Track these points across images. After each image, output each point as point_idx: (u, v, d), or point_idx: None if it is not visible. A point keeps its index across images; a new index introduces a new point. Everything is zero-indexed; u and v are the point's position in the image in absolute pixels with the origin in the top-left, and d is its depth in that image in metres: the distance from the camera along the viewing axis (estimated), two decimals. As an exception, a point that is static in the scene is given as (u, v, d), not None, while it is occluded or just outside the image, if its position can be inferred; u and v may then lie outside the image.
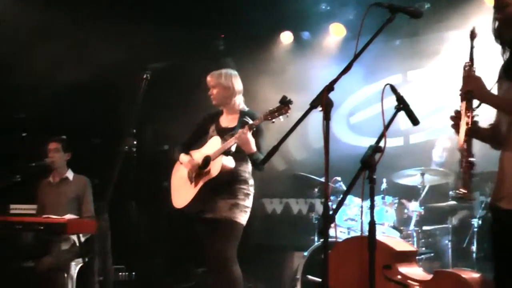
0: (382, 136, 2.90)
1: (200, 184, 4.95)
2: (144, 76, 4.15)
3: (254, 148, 4.80)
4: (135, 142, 4.00)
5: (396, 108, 3.15)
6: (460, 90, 3.21)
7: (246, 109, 5.15)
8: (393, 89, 3.16)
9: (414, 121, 3.20)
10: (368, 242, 2.78)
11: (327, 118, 2.84)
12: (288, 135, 2.95)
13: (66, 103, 7.78)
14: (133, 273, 7.02)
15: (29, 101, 7.61)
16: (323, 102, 2.81)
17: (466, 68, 3.23)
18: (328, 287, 2.82)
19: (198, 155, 5.13)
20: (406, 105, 3.16)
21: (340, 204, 2.86)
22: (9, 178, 5.70)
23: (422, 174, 6.38)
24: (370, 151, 2.84)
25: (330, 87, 2.89)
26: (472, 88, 3.15)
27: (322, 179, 6.61)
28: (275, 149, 2.99)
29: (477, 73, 3.21)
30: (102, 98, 7.79)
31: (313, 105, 2.87)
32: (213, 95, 5.18)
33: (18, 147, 7.42)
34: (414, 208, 6.31)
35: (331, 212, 2.79)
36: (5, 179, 5.61)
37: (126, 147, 3.98)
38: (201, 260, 7.81)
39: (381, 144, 2.88)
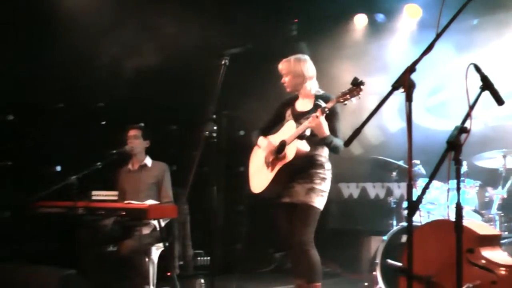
0: (468, 116, 2.82)
1: (277, 168, 4.96)
2: (223, 62, 4.16)
3: (327, 131, 4.76)
4: (215, 128, 4.01)
5: (480, 88, 3.06)
6: None
7: (321, 92, 5.11)
8: (477, 68, 3.07)
9: (499, 100, 3.10)
10: (455, 226, 2.70)
11: (409, 99, 2.78)
12: (370, 118, 2.91)
13: (144, 91, 7.91)
14: (212, 258, 7.13)
15: (107, 90, 7.77)
16: (405, 83, 2.75)
17: None
18: (412, 273, 2.76)
19: (274, 139, 5.14)
20: (490, 84, 3.06)
21: (425, 188, 2.79)
22: (90, 165, 5.82)
23: (504, 156, 6.17)
24: (456, 132, 2.76)
25: (412, 68, 2.83)
26: None
27: (400, 163, 6.51)
28: (357, 131, 2.95)
29: None
30: (178, 85, 7.88)
31: (395, 87, 2.82)
32: (285, 82, 5.17)
33: (98, 135, 7.59)
34: (496, 191, 6.12)
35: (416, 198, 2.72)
36: (87, 167, 5.73)
37: (207, 132, 3.99)
38: (279, 244, 7.92)
39: (467, 124, 2.80)
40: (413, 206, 2.64)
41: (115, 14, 7.29)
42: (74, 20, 7.33)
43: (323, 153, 5.05)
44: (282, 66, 5.17)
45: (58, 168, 7.35)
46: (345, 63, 7.94)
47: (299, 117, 5.03)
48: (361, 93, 4.56)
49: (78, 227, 5.86)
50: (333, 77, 7.70)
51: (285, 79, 5.16)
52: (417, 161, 6.32)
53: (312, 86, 5.12)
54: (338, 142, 4.87)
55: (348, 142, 3.03)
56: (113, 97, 7.75)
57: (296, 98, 5.23)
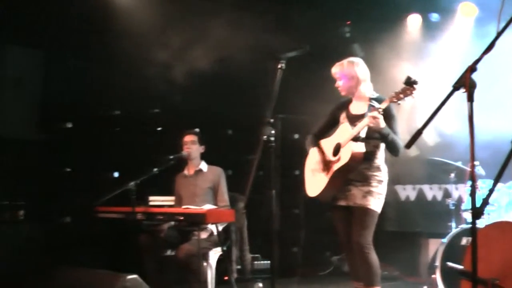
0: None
1: (332, 171, 4.93)
2: (279, 66, 4.17)
3: (383, 123, 4.71)
4: (272, 132, 4.02)
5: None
6: None
7: (376, 95, 5.07)
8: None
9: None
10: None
11: (471, 99, 2.74)
12: (431, 119, 2.88)
13: (199, 96, 7.98)
14: (270, 262, 7.14)
15: (162, 96, 7.87)
16: (466, 83, 2.70)
17: None
18: (477, 277, 2.72)
19: (329, 143, 5.12)
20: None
21: (491, 192, 2.74)
22: (147, 171, 5.90)
23: None
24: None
25: (473, 67, 2.78)
26: None
27: (458, 164, 6.41)
28: (419, 133, 2.92)
29: None
30: (233, 89, 7.94)
31: (456, 87, 2.78)
32: (339, 86, 5.15)
33: (154, 141, 7.69)
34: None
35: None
36: (144, 173, 5.81)
37: (264, 136, 4.01)
38: (336, 247, 7.89)
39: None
40: (478, 212, 2.61)
41: (168, 20, 7.37)
42: (128, 27, 7.44)
43: (380, 155, 5.02)
44: (335, 69, 5.15)
45: (116, 174, 7.48)
46: (400, 64, 7.84)
47: (353, 120, 5.00)
48: (414, 92, 4.50)
49: (137, 232, 5.95)
50: (388, 78, 7.63)
51: (339, 83, 5.14)
52: (476, 162, 6.20)
53: (366, 89, 5.08)
54: (398, 139, 4.83)
55: (409, 144, 3.00)
56: (168, 103, 7.86)
57: (350, 101, 5.20)
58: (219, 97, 8.05)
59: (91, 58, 7.40)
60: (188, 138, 6.26)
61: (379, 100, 4.85)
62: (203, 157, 6.43)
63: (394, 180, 8.09)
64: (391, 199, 8.45)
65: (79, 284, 4.93)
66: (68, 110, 7.37)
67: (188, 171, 6.39)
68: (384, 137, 4.81)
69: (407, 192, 8.50)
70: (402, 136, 4.87)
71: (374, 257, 4.84)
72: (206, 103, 7.99)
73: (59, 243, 6.77)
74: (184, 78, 7.59)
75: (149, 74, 7.60)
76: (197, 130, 6.46)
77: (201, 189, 6.23)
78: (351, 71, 5.05)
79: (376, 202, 4.90)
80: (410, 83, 4.48)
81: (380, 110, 4.66)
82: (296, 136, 8.10)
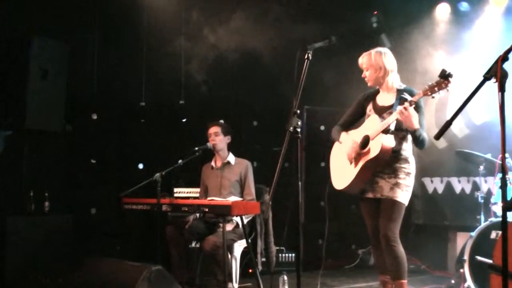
0: None
1: (361, 164, 4.90)
2: (306, 56, 4.15)
3: (417, 124, 4.67)
4: (299, 123, 4.00)
5: None
6: None
7: (403, 86, 5.02)
8: None
9: None
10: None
11: (502, 89, 2.70)
12: (461, 110, 2.85)
13: (224, 87, 8.00)
14: (295, 254, 7.14)
15: (187, 88, 7.90)
16: (497, 73, 2.66)
17: None
18: (508, 271, 2.69)
19: (356, 135, 5.09)
20: None
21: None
22: (173, 163, 5.92)
23: None
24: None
25: (504, 57, 2.75)
26: None
27: (487, 156, 6.33)
28: (448, 124, 2.88)
29: None
30: (258, 80, 7.93)
31: (487, 77, 2.74)
32: (366, 76, 5.10)
33: (179, 133, 7.72)
34: None
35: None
36: (170, 164, 5.83)
37: (291, 127, 3.98)
38: (362, 240, 7.87)
39: None
40: (509, 205, 2.58)
41: (194, 11, 7.39)
42: (155, 19, 7.48)
43: (407, 147, 4.97)
44: (362, 60, 5.11)
45: (141, 166, 7.53)
46: (428, 54, 7.78)
47: (380, 111, 4.96)
48: (449, 85, 4.44)
49: (163, 224, 5.97)
50: (416, 68, 7.59)
51: (366, 73, 5.09)
52: (507, 154, 6.12)
53: (394, 80, 5.04)
54: (425, 135, 4.79)
55: (438, 135, 2.96)
56: (193, 94, 7.88)
57: (377, 92, 5.16)
58: (245, 88, 8.06)
59: (115, 50, 7.44)
60: (212, 129, 6.26)
61: (407, 92, 4.80)
62: (231, 148, 6.43)
63: (422, 172, 8.03)
64: (419, 192, 8.40)
65: (106, 274, 4.97)
66: (92, 102, 7.43)
67: (216, 163, 6.41)
68: (415, 137, 4.77)
69: (435, 184, 8.41)
70: (430, 128, 4.83)
71: (401, 250, 4.81)
72: (231, 94, 8.01)
73: (85, 234, 6.84)
74: (210, 69, 7.62)
75: (175, 65, 7.64)
76: (220, 121, 6.48)
77: (228, 182, 6.25)
78: (378, 62, 5.00)
79: (403, 195, 4.86)
80: (445, 76, 4.41)
81: (413, 102, 4.61)
82: (322, 127, 8.08)
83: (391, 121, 4.73)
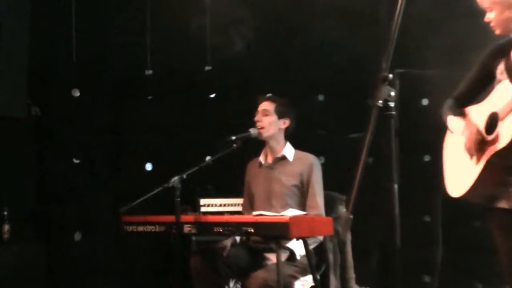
0: None
1: (485, 158, 4.75)
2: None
3: None
4: (392, 93, 3.82)
5: None
6: None
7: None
8: None
9: None
10: None
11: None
12: None
13: (271, 48, 7.98)
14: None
15: (216, 48, 7.90)
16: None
17: None
18: None
19: (479, 113, 4.93)
20: None
21: None
22: (197, 160, 5.86)
23: None
24: None
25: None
26: None
27: None
28: None
29: None
30: (320, 33, 7.88)
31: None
32: (491, 20, 4.93)
33: (205, 115, 7.72)
34: None
35: None
36: (192, 163, 5.77)
37: (379, 101, 3.80)
38: (492, 274, 7.72)
39: None
40: None
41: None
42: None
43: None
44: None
45: (149, 167, 7.51)
46: None
47: (519, 74, 4.81)
48: None
49: (185, 253, 5.92)
50: None
51: (490, 15, 4.93)
52: None
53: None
54: None
55: None
56: (225, 57, 7.81)
57: (511, 44, 4.99)
58: (302, 46, 7.97)
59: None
60: (261, 106, 6.17)
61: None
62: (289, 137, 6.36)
63: None
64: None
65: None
66: (73, 73, 7.50)
67: (265, 158, 6.34)
68: None
69: None
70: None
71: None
72: (283, 56, 7.93)
73: (65, 273, 6.87)
74: (249, 19, 7.58)
75: (196, 13, 7.63)
76: (274, 96, 6.34)
77: (283, 187, 6.17)
78: (508, -1, 4.86)
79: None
80: None
81: None
82: (425, 102, 7.94)
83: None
